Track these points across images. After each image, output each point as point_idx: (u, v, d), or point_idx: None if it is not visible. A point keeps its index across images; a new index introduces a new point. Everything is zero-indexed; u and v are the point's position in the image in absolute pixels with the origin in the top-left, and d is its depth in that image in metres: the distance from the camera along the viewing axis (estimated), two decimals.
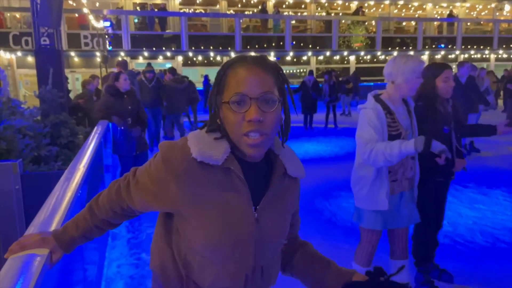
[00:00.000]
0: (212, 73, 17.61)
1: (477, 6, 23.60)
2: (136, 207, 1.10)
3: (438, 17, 23.17)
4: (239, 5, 20.47)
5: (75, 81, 16.79)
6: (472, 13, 24.13)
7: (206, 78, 15.32)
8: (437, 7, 23.16)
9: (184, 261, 1.07)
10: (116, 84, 4.49)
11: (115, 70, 7.43)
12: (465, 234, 3.79)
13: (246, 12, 20.31)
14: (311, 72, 11.55)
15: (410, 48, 19.90)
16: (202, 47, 17.48)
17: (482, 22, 23.03)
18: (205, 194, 1.00)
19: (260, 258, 1.07)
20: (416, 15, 23.37)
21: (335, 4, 21.51)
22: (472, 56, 21.19)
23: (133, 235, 4.01)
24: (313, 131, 10.61)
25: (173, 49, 17.09)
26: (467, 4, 22.97)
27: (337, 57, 20.39)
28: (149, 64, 8.89)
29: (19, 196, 2.70)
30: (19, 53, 15.35)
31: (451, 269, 3.16)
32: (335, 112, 11.21)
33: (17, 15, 16.46)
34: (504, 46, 21.07)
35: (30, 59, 15.03)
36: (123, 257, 3.52)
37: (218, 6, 20.23)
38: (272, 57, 19.90)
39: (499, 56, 21.86)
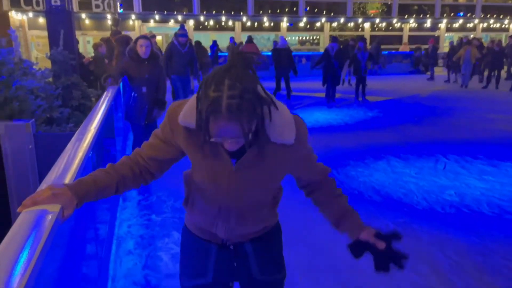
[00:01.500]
0: (224, 38, 17.36)
1: None
2: (155, 154, 1.31)
3: None
4: None
5: (86, 43, 16.71)
6: None
7: (214, 43, 15.12)
8: None
9: (191, 179, 1.39)
10: (137, 49, 4.23)
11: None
12: (471, 205, 3.81)
13: None
14: (334, 38, 10.06)
15: (428, 16, 19.29)
16: (214, 11, 17.16)
17: None
18: (191, 146, 1.27)
19: (234, 201, 1.32)
20: None
21: None
22: (491, 26, 20.48)
23: (144, 197, 4.10)
24: (336, 106, 9.50)
25: (184, 13, 16.80)
26: None
27: (351, 24, 19.90)
28: (182, 27, 7.62)
29: (32, 155, 2.76)
30: (30, 14, 15.25)
31: (454, 238, 3.20)
32: (365, 84, 10.02)
33: None
34: None
35: (42, 20, 14.95)
36: (134, 218, 3.62)
37: None
38: (284, 22, 19.48)
39: None
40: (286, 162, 1.32)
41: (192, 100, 1.21)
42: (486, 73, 13.50)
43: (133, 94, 4.35)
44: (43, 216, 1.14)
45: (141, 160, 1.33)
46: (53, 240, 1.17)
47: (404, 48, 19.22)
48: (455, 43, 15.94)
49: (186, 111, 1.22)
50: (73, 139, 2.17)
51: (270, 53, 12.78)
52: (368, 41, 16.62)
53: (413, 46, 18.58)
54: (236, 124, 1.08)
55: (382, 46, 18.15)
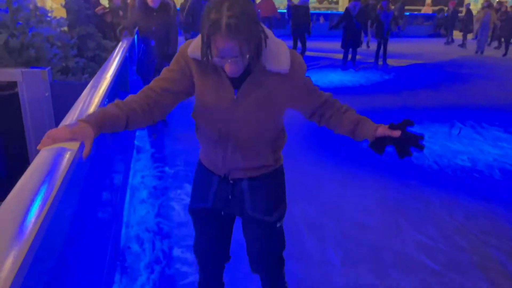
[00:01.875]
0: None
1: None
2: (167, 84, 1.39)
3: None
4: None
5: None
6: None
7: None
8: None
9: (196, 115, 1.51)
10: None
11: None
12: (483, 170, 3.80)
13: None
14: None
15: None
16: None
17: None
18: (199, 75, 1.38)
19: (232, 130, 1.42)
20: None
21: None
22: None
23: (157, 150, 4.17)
24: (356, 69, 8.94)
25: None
26: None
27: None
28: None
29: (49, 103, 2.80)
30: None
31: (463, 202, 3.22)
32: (386, 47, 9.46)
33: None
34: None
35: None
36: (147, 169, 3.70)
37: None
38: None
39: None
40: (284, 93, 1.40)
41: (199, 36, 1.29)
42: (502, 40, 13.00)
43: (142, 47, 4.24)
44: (61, 155, 1.17)
45: (152, 94, 1.38)
46: (71, 178, 1.21)
47: (427, 10, 18.49)
48: (479, 5, 15.28)
49: (194, 45, 1.34)
50: (89, 86, 2.19)
51: (286, 11, 12.37)
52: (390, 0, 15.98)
53: (436, 8, 17.86)
54: (235, 44, 1.19)
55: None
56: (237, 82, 1.36)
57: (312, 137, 4.61)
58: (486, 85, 7.89)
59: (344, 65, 9.17)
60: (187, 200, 3.14)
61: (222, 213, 1.62)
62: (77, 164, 1.23)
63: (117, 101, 1.35)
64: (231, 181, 1.54)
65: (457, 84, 8.01)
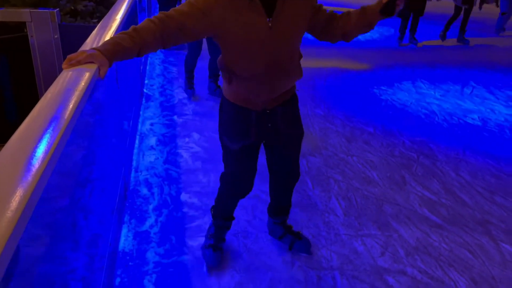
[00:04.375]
0: None
1: None
2: (187, 21, 1.45)
3: None
4: None
5: None
6: None
7: None
8: None
9: (228, 62, 1.65)
10: None
11: None
12: (493, 130, 3.77)
13: None
14: None
15: None
16: None
17: None
18: (230, 13, 1.49)
19: (276, 55, 1.60)
20: None
21: None
22: None
23: (166, 99, 4.17)
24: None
25: None
26: None
27: None
28: None
29: (58, 45, 2.78)
30: None
31: (470, 160, 3.22)
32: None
33: None
34: None
35: None
36: (156, 117, 3.72)
37: None
38: None
39: None
40: (306, 12, 1.62)
41: None
42: None
43: None
44: (82, 73, 1.25)
45: (169, 26, 1.42)
46: (90, 99, 1.28)
47: None
48: None
49: None
50: (97, 28, 2.16)
51: None
52: None
53: None
54: None
55: None
56: (268, 11, 1.51)
57: (323, 90, 4.57)
58: (506, 46, 7.64)
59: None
60: (196, 148, 3.22)
61: (259, 143, 1.84)
62: (86, 108, 1.27)
63: (132, 29, 1.39)
64: (267, 111, 1.74)
65: (475, 42, 7.77)
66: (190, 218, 2.41)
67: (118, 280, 1.93)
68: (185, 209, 2.48)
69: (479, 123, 3.88)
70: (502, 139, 3.60)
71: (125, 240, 2.18)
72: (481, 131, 3.74)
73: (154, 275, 1.98)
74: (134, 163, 2.91)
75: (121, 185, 2.45)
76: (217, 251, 2.04)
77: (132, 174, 2.78)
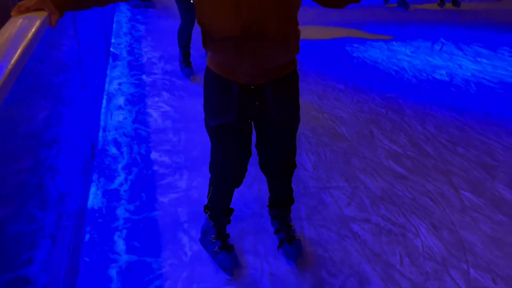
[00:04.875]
0: None
1: None
2: None
3: None
4: None
5: None
6: None
7: None
8: None
9: (202, 21, 1.44)
10: None
11: None
12: (459, 85, 3.85)
13: None
14: None
15: None
16: None
17: None
18: None
19: (255, 15, 1.34)
20: None
21: None
22: None
23: (134, 58, 4.06)
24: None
25: None
26: None
27: None
28: None
29: None
30: None
31: (436, 114, 3.30)
32: None
33: None
34: None
35: None
36: (124, 77, 3.63)
37: None
38: None
39: None
40: None
41: None
42: None
43: None
44: (33, 20, 1.21)
45: None
46: (38, 45, 1.23)
47: None
48: None
49: None
50: None
51: None
52: None
53: None
54: None
55: None
56: None
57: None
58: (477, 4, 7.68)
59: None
60: (165, 107, 3.18)
61: (246, 124, 1.59)
62: (48, 68, 1.24)
63: None
64: (252, 87, 1.49)
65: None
66: (161, 175, 2.42)
67: (87, 236, 1.94)
68: (155, 167, 2.48)
69: (447, 79, 3.96)
70: (468, 93, 3.69)
71: (94, 198, 2.17)
72: (448, 86, 3.82)
73: (124, 231, 2.00)
74: (102, 123, 2.86)
75: (88, 144, 2.42)
76: (231, 250, 1.81)
77: (100, 134, 2.74)
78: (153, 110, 3.09)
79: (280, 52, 1.46)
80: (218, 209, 1.83)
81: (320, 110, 3.30)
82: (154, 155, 2.58)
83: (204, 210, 1.86)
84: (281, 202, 1.94)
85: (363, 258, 1.93)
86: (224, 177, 1.73)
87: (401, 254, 1.97)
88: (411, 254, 1.97)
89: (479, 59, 4.45)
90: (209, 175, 1.79)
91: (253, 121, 1.62)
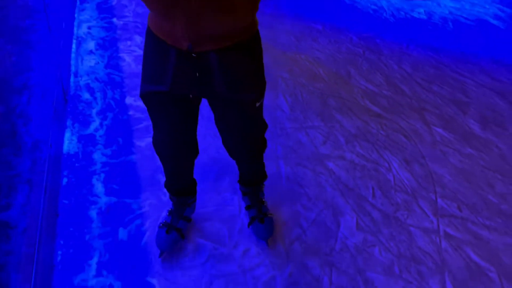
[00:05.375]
0: None
1: None
2: None
3: None
4: None
5: None
6: None
7: None
8: None
9: None
10: None
11: None
12: (437, 23, 3.82)
13: None
14: None
15: None
16: None
17: None
18: None
19: None
20: None
21: None
22: None
23: (103, 0, 3.86)
24: None
25: None
26: None
27: None
28: None
29: None
30: None
31: (412, 53, 3.30)
32: None
33: None
34: None
35: None
36: (93, 20, 3.47)
37: None
38: None
39: None
40: None
41: None
42: None
43: None
44: None
45: None
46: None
47: None
48: None
49: None
50: None
51: None
52: None
53: None
54: None
55: None
56: None
57: None
58: None
59: None
60: (138, 51, 3.09)
61: (185, 96, 1.34)
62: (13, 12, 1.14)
63: None
64: (193, 54, 1.20)
65: None
66: (137, 120, 2.39)
67: (65, 180, 1.94)
68: (131, 112, 2.45)
69: (425, 17, 3.92)
70: (445, 31, 3.68)
71: (70, 144, 2.15)
72: (425, 25, 3.79)
73: (102, 174, 2.01)
74: (73, 68, 2.77)
75: (59, 90, 2.36)
76: (171, 232, 1.65)
77: (72, 79, 2.66)
78: (125, 54, 3.00)
79: (220, 17, 1.13)
80: (168, 185, 1.66)
81: (298, 52, 3.26)
82: (129, 100, 2.54)
83: (165, 186, 1.70)
84: (251, 181, 1.77)
85: (337, 192, 2.00)
86: (166, 153, 1.52)
87: (373, 187, 2.05)
88: (383, 187, 2.05)
89: None
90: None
91: (195, 94, 1.34)
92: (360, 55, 3.25)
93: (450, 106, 2.68)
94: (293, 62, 3.10)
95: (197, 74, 1.24)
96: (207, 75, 1.24)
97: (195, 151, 1.55)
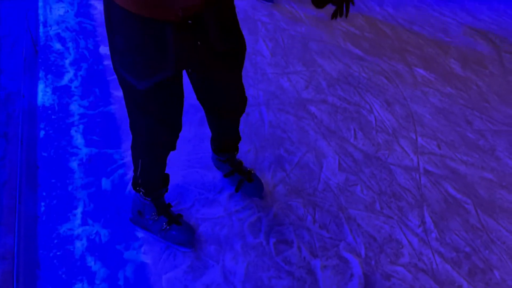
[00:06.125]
0: None
1: None
2: None
3: None
4: None
5: None
6: None
7: None
8: None
9: None
10: None
11: None
12: None
13: None
14: None
15: None
16: None
17: None
18: None
19: None
20: None
21: None
22: None
23: None
24: None
25: None
26: None
27: None
28: None
29: None
30: None
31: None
32: None
33: None
34: None
35: None
36: None
37: None
38: None
39: None
40: None
41: None
42: None
43: None
44: None
45: None
46: None
47: None
48: None
49: None
50: None
51: None
52: None
53: None
54: None
55: None
56: None
57: None
58: None
59: None
60: None
61: (182, 72, 1.23)
62: None
63: None
64: (189, 22, 1.09)
65: None
66: (112, 70, 2.31)
67: (42, 132, 1.90)
68: (106, 62, 2.37)
69: None
70: None
71: (44, 95, 2.08)
72: None
73: (81, 126, 1.96)
74: (41, 18, 2.63)
75: (28, 40, 2.25)
76: (180, 221, 1.54)
77: (41, 29, 2.53)
78: (96, 2, 2.84)
79: None
80: (154, 183, 1.50)
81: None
82: (103, 49, 2.45)
83: (135, 189, 1.51)
84: (231, 146, 1.68)
85: (319, 136, 2.01)
86: (161, 143, 1.37)
87: (355, 129, 2.06)
88: (364, 128, 2.07)
89: None
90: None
91: (194, 66, 1.28)
92: None
93: (431, 46, 2.66)
94: (273, 6, 3.00)
95: (199, 43, 1.16)
96: (205, 38, 1.17)
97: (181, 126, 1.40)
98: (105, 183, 1.73)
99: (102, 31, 2.59)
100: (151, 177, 1.47)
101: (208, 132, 1.84)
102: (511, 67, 2.48)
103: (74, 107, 2.05)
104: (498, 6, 3.12)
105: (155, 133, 1.31)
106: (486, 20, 2.98)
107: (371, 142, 2.00)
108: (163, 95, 1.21)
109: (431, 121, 2.11)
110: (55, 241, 1.52)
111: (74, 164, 1.78)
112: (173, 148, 1.40)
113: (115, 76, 2.25)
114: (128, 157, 1.84)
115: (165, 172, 1.52)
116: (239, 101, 1.50)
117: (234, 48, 1.28)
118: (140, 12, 1.03)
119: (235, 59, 1.33)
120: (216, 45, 1.20)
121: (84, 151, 1.85)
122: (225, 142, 1.67)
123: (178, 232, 1.50)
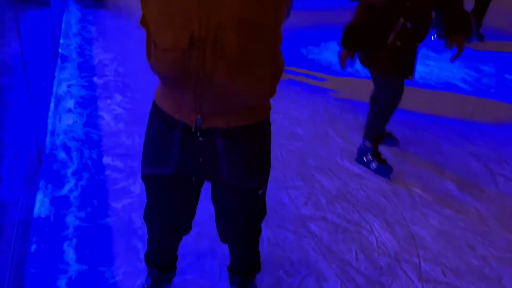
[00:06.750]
0: None
1: None
2: None
3: None
4: None
5: None
6: None
7: None
8: None
9: (148, 24, 1.09)
10: None
11: None
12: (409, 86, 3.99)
13: None
14: None
15: None
16: None
17: None
18: None
19: (209, 20, 0.97)
20: None
21: None
22: None
23: (84, 60, 3.91)
24: None
25: None
26: None
27: None
28: None
29: None
30: None
31: None
32: None
33: None
34: None
35: None
36: (74, 79, 3.48)
37: None
38: None
39: None
40: None
41: None
42: None
43: None
44: None
45: None
46: None
47: None
48: None
49: None
50: None
51: None
52: None
53: None
54: None
55: None
56: None
57: None
58: None
59: None
60: (118, 110, 3.09)
61: (189, 178, 1.27)
62: None
63: None
64: (201, 138, 1.13)
65: None
66: (114, 180, 2.33)
67: (34, 246, 1.83)
68: (108, 172, 2.39)
69: None
70: (416, 94, 3.84)
71: (41, 206, 2.06)
72: None
73: (74, 240, 1.91)
74: (49, 127, 2.73)
75: (34, 149, 2.29)
76: None
77: (48, 138, 2.61)
78: (105, 113, 2.98)
79: (241, 83, 1.05)
80: (154, 259, 1.56)
81: (276, 112, 3.30)
82: (106, 160, 2.49)
83: (144, 258, 1.59)
84: (242, 271, 1.63)
85: (320, 256, 1.95)
86: (161, 229, 1.44)
87: (356, 250, 2.01)
88: (365, 250, 2.02)
89: (426, 61, 4.65)
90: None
91: (199, 178, 1.29)
92: (337, 115, 3.33)
93: (427, 167, 2.73)
94: (272, 122, 3.13)
95: (201, 160, 1.19)
96: (212, 161, 1.18)
97: (189, 228, 1.49)
98: None
99: (107, 141, 2.67)
100: (152, 252, 1.57)
101: (203, 249, 1.78)
102: (507, 191, 2.52)
103: (70, 219, 2.02)
104: (489, 130, 3.27)
105: (149, 214, 1.42)
106: (478, 143, 3.09)
107: (373, 265, 1.93)
108: (159, 191, 1.31)
109: (433, 244, 2.08)
110: None
111: (62, 283, 1.69)
112: (164, 238, 1.48)
113: (115, 187, 2.29)
114: (119, 276, 1.75)
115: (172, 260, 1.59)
116: (243, 233, 1.47)
117: (243, 185, 1.25)
118: (163, 105, 1.18)
119: (237, 194, 1.29)
120: (221, 175, 1.21)
121: (75, 268, 1.77)
122: (233, 264, 1.64)
123: None
